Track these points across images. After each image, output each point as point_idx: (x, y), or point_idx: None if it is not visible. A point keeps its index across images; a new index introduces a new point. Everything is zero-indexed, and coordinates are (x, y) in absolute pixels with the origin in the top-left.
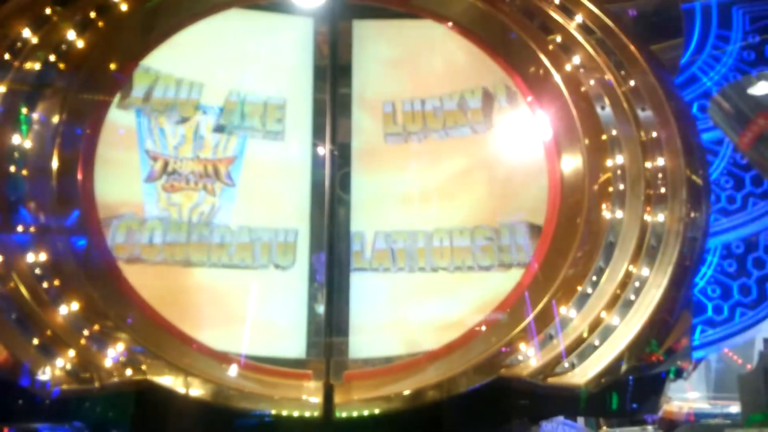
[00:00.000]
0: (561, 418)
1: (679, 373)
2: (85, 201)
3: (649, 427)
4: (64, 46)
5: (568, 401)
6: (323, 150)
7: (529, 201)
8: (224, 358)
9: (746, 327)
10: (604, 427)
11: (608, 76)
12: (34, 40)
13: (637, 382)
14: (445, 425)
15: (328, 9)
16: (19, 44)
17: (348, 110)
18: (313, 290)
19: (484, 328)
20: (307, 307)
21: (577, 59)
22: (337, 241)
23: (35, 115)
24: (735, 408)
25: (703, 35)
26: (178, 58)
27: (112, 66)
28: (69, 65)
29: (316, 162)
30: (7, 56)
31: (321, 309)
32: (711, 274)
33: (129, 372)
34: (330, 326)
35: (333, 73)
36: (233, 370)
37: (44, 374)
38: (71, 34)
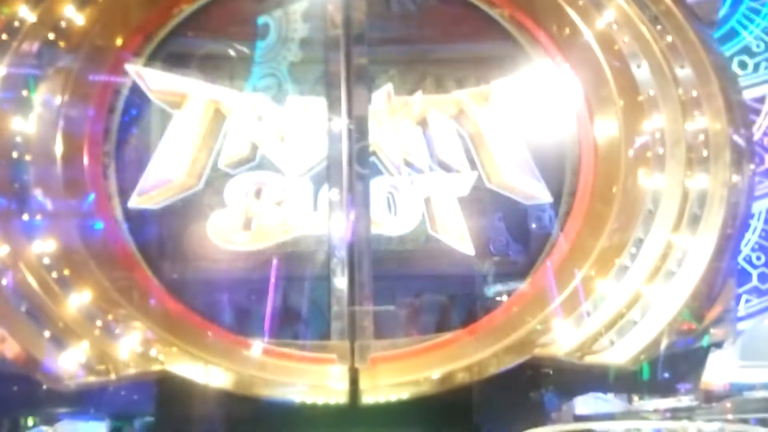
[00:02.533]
0: None
1: (719, 345)
2: (94, 186)
3: (684, 398)
4: (63, 23)
5: (603, 376)
6: (339, 124)
7: (559, 170)
8: (244, 344)
9: None
10: (637, 399)
11: (644, 32)
12: (33, 19)
13: (677, 356)
14: (475, 407)
15: None
16: (16, 23)
17: (364, 81)
18: (334, 265)
19: (513, 305)
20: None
21: (609, 14)
22: (356, 219)
23: (37, 97)
24: None
25: None
26: None
27: (118, 42)
28: (70, 43)
29: (333, 136)
30: (4, 36)
31: (343, 283)
32: (755, 240)
33: (146, 363)
34: (353, 304)
35: (347, 43)
36: (254, 357)
37: (58, 368)
38: (70, 10)
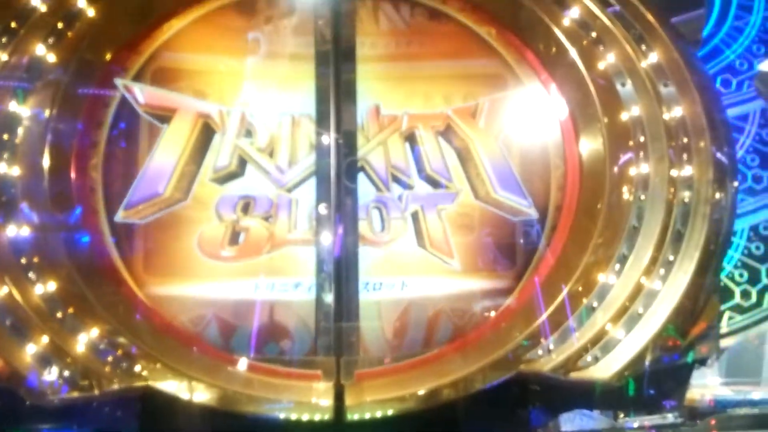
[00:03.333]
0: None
1: (703, 361)
2: (81, 199)
3: (669, 415)
4: (52, 38)
5: (588, 393)
6: (328, 139)
7: (545, 185)
8: (229, 360)
9: None
10: (622, 416)
11: (628, 51)
12: (22, 32)
13: (661, 372)
14: (461, 424)
15: None
16: (4, 38)
17: (353, 96)
18: (321, 280)
19: (499, 321)
20: (315, 298)
21: (594, 34)
22: (344, 234)
23: (26, 110)
24: (757, 393)
25: (724, 6)
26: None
27: (107, 56)
28: (59, 57)
29: (321, 151)
30: None
31: (329, 298)
32: (738, 257)
33: (130, 378)
34: (339, 320)
35: (336, 58)
36: (239, 373)
37: (41, 383)
38: (60, 25)
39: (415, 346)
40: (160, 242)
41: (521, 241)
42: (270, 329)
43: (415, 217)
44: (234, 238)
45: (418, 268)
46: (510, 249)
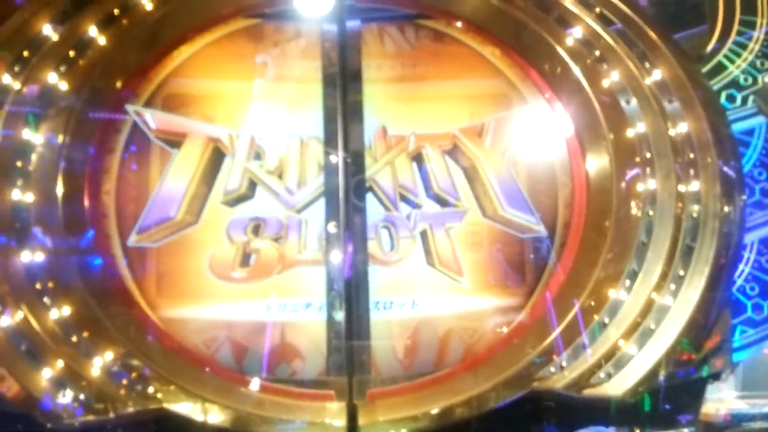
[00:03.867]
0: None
1: (717, 376)
2: (94, 224)
3: (685, 430)
4: (64, 66)
5: (603, 410)
6: (336, 159)
7: (553, 202)
8: (241, 381)
9: None
10: (638, 431)
11: (632, 69)
12: (34, 61)
13: (676, 387)
14: None
15: (335, 14)
16: (17, 67)
17: (359, 117)
18: (331, 299)
19: (510, 338)
20: (326, 318)
21: (597, 52)
22: (354, 253)
23: (39, 137)
24: None
25: (727, 21)
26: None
27: (118, 83)
28: (71, 84)
29: (330, 171)
30: (7, 77)
31: (340, 317)
32: (749, 271)
33: (144, 401)
34: (350, 339)
35: (343, 80)
36: (252, 394)
37: (56, 406)
38: (71, 53)
39: (427, 365)
40: (172, 265)
41: (531, 257)
42: (281, 350)
43: (423, 235)
44: (245, 260)
45: (427, 287)
46: (520, 266)
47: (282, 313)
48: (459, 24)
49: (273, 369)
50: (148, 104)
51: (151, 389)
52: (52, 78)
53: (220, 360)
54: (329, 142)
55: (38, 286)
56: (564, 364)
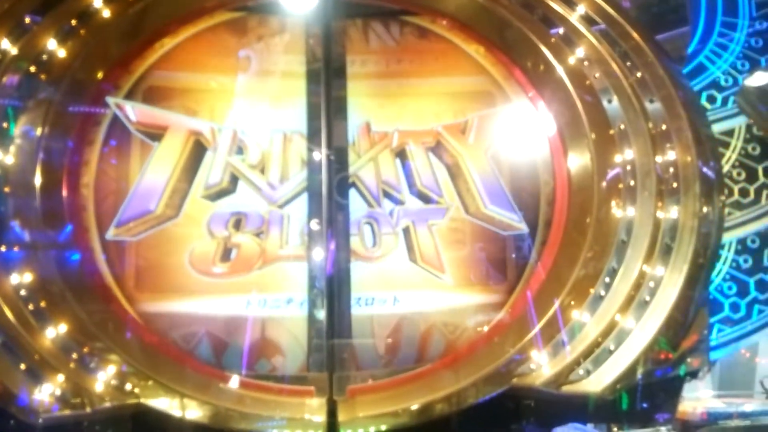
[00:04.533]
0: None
1: (694, 374)
2: (72, 217)
3: (662, 428)
4: (45, 57)
5: (581, 407)
6: (319, 155)
7: (535, 200)
8: (221, 377)
9: (765, 324)
10: (616, 429)
11: (614, 68)
12: (14, 51)
13: (654, 385)
14: None
15: (320, 10)
16: None
17: (343, 113)
18: (313, 296)
19: (491, 335)
20: (307, 314)
21: (580, 51)
22: (336, 250)
23: (17, 129)
24: (749, 406)
25: (708, 23)
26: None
27: (98, 75)
28: (51, 76)
29: (312, 167)
30: None
31: (321, 315)
32: (726, 270)
33: (121, 396)
34: (332, 336)
35: (327, 75)
36: (231, 390)
37: (32, 401)
38: (52, 44)
39: (408, 361)
40: (151, 259)
41: (512, 255)
42: (262, 345)
43: (406, 232)
44: (225, 255)
45: (409, 283)
46: (501, 263)
47: (262, 308)
48: (444, 21)
49: (253, 365)
50: (129, 96)
51: (128, 385)
52: (33, 69)
53: (200, 355)
54: (312, 138)
55: (15, 278)
56: (543, 361)
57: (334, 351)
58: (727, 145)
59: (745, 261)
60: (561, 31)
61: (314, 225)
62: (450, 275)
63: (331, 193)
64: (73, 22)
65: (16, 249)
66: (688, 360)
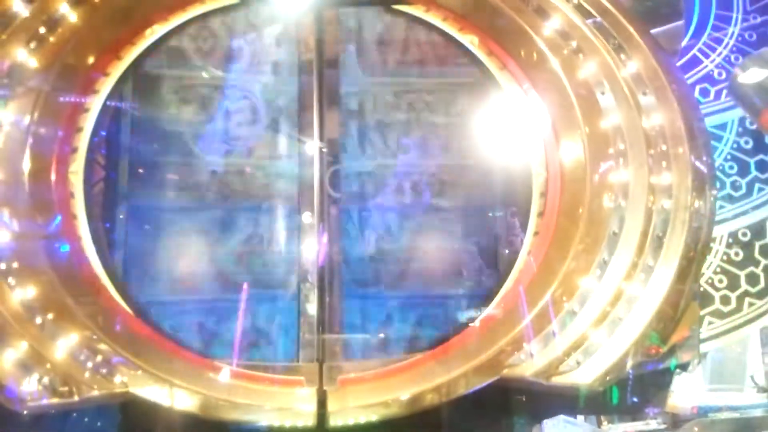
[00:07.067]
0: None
1: (684, 367)
2: (61, 206)
3: (652, 422)
4: (34, 42)
5: (571, 399)
6: (311, 147)
7: (527, 191)
8: (211, 366)
9: (755, 317)
10: (606, 422)
11: (608, 60)
12: (3, 37)
13: (643, 378)
14: (444, 429)
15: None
16: None
17: (336, 105)
18: (305, 290)
19: (482, 326)
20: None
21: (574, 43)
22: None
23: (5, 116)
24: (738, 399)
25: (702, 17)
26: None
27: (89, 61)
28: (41, 62)
29: (304, 160)
30: None
31: (313, 309)
32: (717, 263)
33: (110, 384)
34: (322, 328)
35: (319, 66)
36: (221, 379)
37: (20, 389)
38: (42, 29)
39: (399, 352)
40: (141, 249)
41: (507, 251)
42: (252, 336)
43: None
44: None
45: (401, 276)
46: (493, 255)
47: (253, 298)
48: (437, 11)
49: (243, 354)
50: (120, 84)
51: (117, 373)
52: (22, 55)
53: (189, 345)
54: (304, 130)
55: (3, 266)
56: (534, 352)
57: (324, 343)
58: (719, 139)
59: (736, 254)
60: (555, 22)
61: (306, 219)
62: (444, 268)
63: (324, 186)
64: (64, 7)
65: (4, 236)
66: (679, 353)
